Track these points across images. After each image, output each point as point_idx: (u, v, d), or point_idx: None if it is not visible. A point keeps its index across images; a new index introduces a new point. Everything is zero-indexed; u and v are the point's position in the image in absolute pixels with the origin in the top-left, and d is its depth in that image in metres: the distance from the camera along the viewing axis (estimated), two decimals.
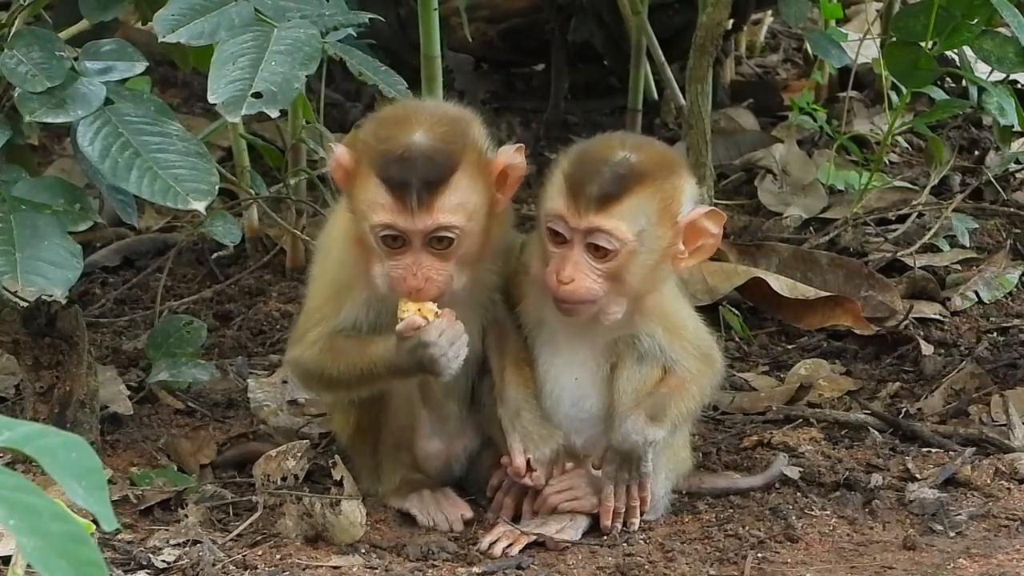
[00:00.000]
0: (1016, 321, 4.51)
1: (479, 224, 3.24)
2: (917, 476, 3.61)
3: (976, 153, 5.59)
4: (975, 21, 4.40)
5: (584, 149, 3.32)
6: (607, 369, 3.39)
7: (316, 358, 3.36)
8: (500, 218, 3.35)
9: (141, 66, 3.44)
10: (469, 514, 3.45)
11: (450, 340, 3.20)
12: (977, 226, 4.92)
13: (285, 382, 4.06)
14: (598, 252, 3.24)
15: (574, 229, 3.24)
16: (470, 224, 3.21)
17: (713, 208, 3.33)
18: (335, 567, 3.22)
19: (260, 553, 3.28)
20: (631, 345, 3.35)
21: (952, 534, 3.36)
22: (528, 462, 3.35)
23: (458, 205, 3.19)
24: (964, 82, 5.48)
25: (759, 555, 3.26)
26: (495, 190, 3.27)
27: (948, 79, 5.55)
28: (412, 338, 3.20)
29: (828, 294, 4.51)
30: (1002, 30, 4.44)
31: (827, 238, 4.88)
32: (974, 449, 3.73)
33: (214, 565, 3.18)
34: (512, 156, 3.28)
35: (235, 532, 3.36)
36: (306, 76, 3.25)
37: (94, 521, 1.83)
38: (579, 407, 3.42)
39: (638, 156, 3.27)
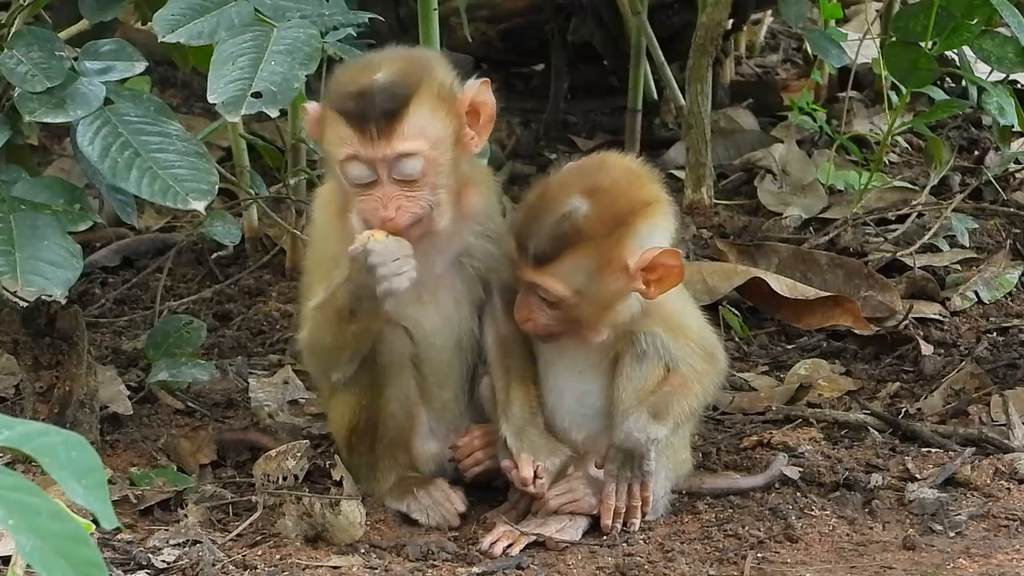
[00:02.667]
0: (1016, 321, 4.51)
1: (445, 154, 3.26)
2: (917, 476, 3.60)
3: (976, 153, 5.59)
4: (975, 21, 4.40)
5: (537, 194, 3.30)
6: (609, 363, 3.39)
7: (311, 332, 3.38)
8: (482, 176, 3.40)
9: (141, 66, 3.45)
10: (463, 507, 3.45)
11: (393, 253, 3.19)
12: (977, 226, 4.92)
13: (286, 382, 4.06)
14: (544, 299, 3.28)
15: (520, 278, 3.28)
16: (434, 152, 3.23)
17: (665, 249, 3.26)
18: (335, 567, 3.22)
19: (260, 553, 3.28)
20: (630, 342, 3.35)
21: (952, 534, 3.36)
22: (535, 472, 3.36)
23: (418, 131, 3.21)
24: (964, 82, 5.49)
25: (759, 555, 3.26)
26: (465, 125, 3.30)
27: (948, 79, 5.56)
28: (359, 256, 3.20)
29: (828, 294, 4.51)
30: (1002, 30, 4.44)
31: (827, 238, 4.88)
32: (974, 449, 3.73)
33: (214, 565, 3.18)
34: (479, 90, 3.31)
35: (235, 532, 3.36)
36: (306, 76, 3.26)
37: (94, 521, 1.83)
38: (582, 402, 3.42)
39: (585, 209, 3.22)
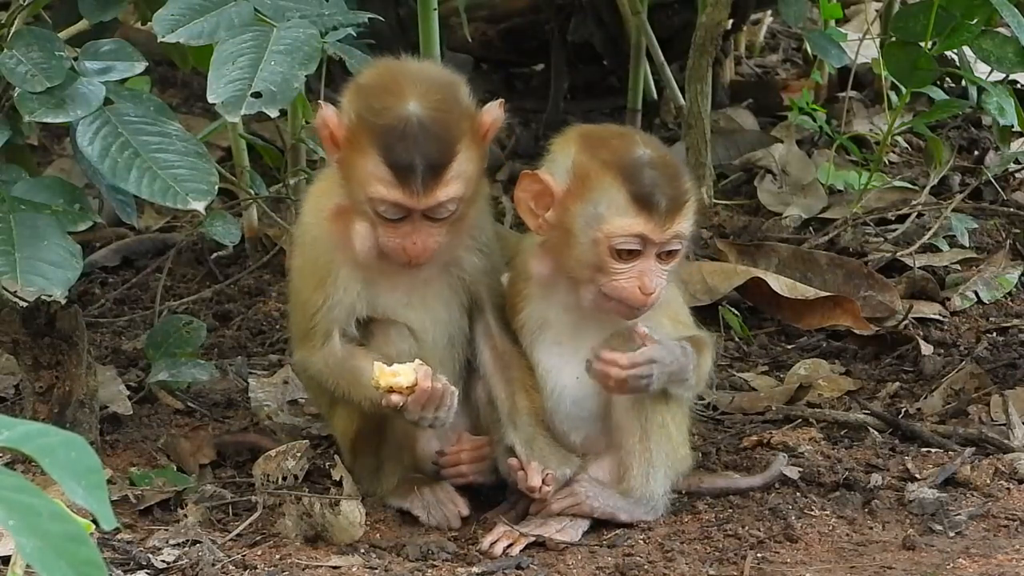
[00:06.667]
0: (1016, 321, 4.51)
1: (472, 187, 3.29)
2: (917, 476, 3.60)
3: (976, 153, 5.59)
4: (975, 21, 4.40)
5: (627, 158, 3.26)
6: None
7: (318, 371, 3.39)
8: (479, 191, 3.40)
9: (140, 66, 3.44)
10: (466, 511, 3.46)
11: (434, 407, 3.23)
12: (977, 226, 4.92)
13: (286, 382, 4.06)
14: (669, 256, 3.28)
15: (653, 243, 3.24)
16: (468, 191, 3.26)
17: None
18: (335, 567, 3.22)
19: (260, 553, 3.28)
20: (628, 339, 3.35)
21: (952, 534, 3.36)
22: (544, 479, 3.36)
23: (459, 176, 3.23)
24: (964, 82, 5.48)
25: (759, 555, 3.26)
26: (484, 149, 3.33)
27: (948, 79, 5.55)
28: (396, 412, 3.24)
29: (828, 294, 4.51)
30: (1002, 30, 4.44)
31: (827, 238, 4.88)
32: (974, 449, 3.73)
33: (213, 565, 3.18)
34: (496, 112, 3.31)
35: (235, 532, 3.36)
36: (305, 76, 3.25)
37: (93, 521, 1.83)
38: (580, 405, 3.42)
39: (668, 153, 3.31)
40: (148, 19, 3.81)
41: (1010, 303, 4.64)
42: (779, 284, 4.51)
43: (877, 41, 5.50)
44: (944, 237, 4.89)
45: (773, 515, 3.43)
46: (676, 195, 3.24)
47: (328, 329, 3.36)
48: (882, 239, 4.93)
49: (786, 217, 5.06)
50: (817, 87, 5.91)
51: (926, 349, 4.32)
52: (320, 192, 3.42)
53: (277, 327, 4.48)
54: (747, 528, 3.37)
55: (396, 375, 3.21)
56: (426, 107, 3.20)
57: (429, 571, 3.22)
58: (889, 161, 5.51)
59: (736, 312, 4.50)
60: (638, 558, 3.24)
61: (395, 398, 3.20)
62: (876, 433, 3.85)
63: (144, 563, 3.19)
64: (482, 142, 3.30)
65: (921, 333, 4.41)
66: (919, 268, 4.71)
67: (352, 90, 3.30)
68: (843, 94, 5.69)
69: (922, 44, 4.46)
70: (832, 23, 5.99)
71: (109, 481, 3.45)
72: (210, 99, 3.21)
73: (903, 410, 4.00)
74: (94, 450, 1.84)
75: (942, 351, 4.34)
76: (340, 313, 3.35)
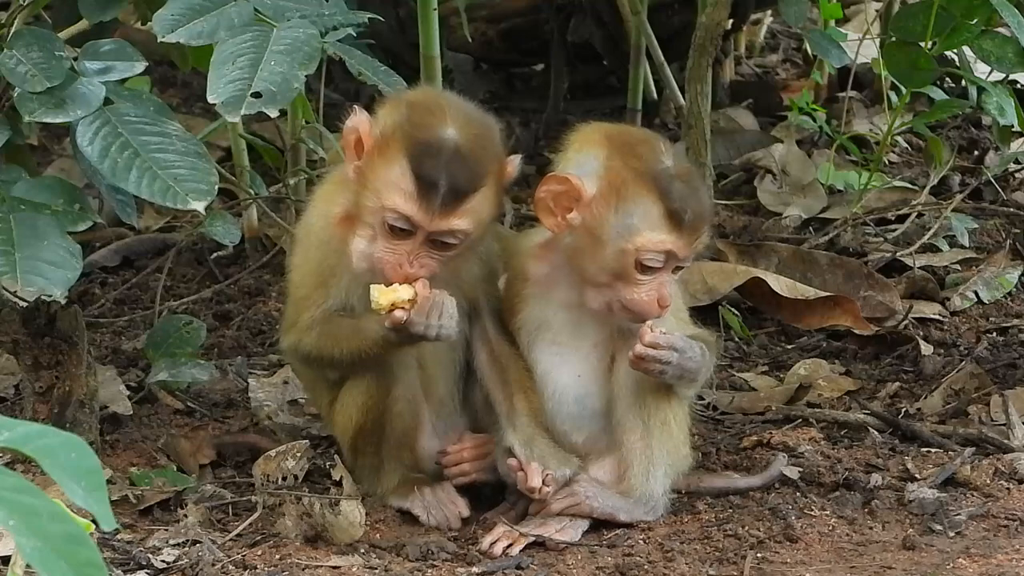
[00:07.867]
0: (1016, 321, 4.51)
1: (482, 229, 3.29)
2: (917, 476, 3.61)
3: (976, 153, 5.60)
4: (975, 21, 4.40)
5: (660, 170, 3.25)
6: (608, 362, 3.39)
7: (314, 342, 3.39)
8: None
9: (140, 66, 3.45)
10: (467, 512, 3.46)
11: (437, 314, 3.23)
12: (977, 226, 4.92)
13: (286, 382, 4.06)
14: (680, 268, 3.31)
15: (677, 258, 3.26)
16: (477, 230, 3.27)
17: None
18: (335, 567, 3.22)
19: (260, 553, 3.28)
20: (626, 339, 3.34)
21: (952, 534, 3.36)
22: (544, 480, 3.36)
23: (475, 212, 3.23)
24: (964, 82, 5.49)
25: (758, 555, 3.26)
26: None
27: (948, 79, 5.56)
28: (402, 331, 3.23)
29: (828, 294, 4.51)
30: (1002, 30, 4.44)
31: (827, 238, 4.88)
32: (974, 449, 3.73)
33: (213, 565, 3.18)
34: (516, 164, 3.34)
35: (235, 532, 3.36)
36: (305, 76, 3.26)
37: (93, 521, 1.83)
38: (582, 404, 3.42)
39: (690, 164, 3.37)
40: (148, 19, 3.81)
41: (1010, 303, 4.65)
42: (779, 284, 4.51)
43: (877, 41, 5.50)
44: (944, 237, 4.89)
45: (773, 515, 3.43)
46: (704, 212, 3.27)
47: (322, 318, 3.38)
48: (882, 239, 4.93)
49: (786, 217, 5.07)
50: (817, 87, 5.91)
51: (926, 349, 4.32)
52: (328, 196, 3.42)
53: (277, 327, 4.47)
54: (747, 528, 3.37)
55: (396, 291, 3.22)
56: (464, 136, 3.21)
57: (429, 571, 3.22)
58: (889, 161, 5.51)
59: (736, 312, 4.51)
60: (638, 558, 3.24)
61: (398, 314, 3.21)
62: (876, 433, 3.85)
63: (144, 563, 3.20)
64: (501, 188, 3.31)
65: (921, 333, 4.41)
66: (919, 268, 4.71)
67: (394, 103, 3.32)
68: (843, 94, 5.69)
69: (922, 44, 4.46)
70: (832, 23, 5.99)
71: (109, 481, 3.45)
72: (210, 99, 3.21)
73: (903, 410, 4.00)
74: (94, 450, 1.85)
75: (942, 351, 4.34)
76: (337, 308, 3.38)
